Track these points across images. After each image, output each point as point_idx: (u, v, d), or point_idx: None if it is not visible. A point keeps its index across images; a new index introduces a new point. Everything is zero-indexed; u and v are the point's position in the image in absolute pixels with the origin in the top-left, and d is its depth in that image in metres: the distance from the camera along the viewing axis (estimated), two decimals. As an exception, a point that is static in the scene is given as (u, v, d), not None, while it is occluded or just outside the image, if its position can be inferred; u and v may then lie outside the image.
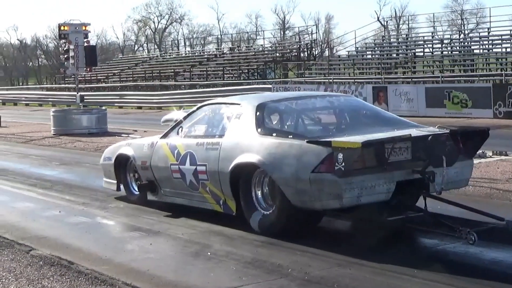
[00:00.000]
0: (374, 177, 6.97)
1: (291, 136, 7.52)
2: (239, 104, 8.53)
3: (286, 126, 8.32)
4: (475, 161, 12.31)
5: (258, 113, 8.07)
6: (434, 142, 7.22)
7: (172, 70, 50.02)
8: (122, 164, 10.10)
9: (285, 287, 5.85)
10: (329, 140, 6.99)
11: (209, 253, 7.00)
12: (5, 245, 7.61)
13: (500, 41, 32.84)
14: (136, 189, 9.91)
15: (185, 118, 9.26)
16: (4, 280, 6.27)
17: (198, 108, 9.26)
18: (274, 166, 7.40)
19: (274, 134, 7.70)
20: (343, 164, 6.80)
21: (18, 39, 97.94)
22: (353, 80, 33.35)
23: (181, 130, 9.07)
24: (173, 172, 8.91)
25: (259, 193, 7.84)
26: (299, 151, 7.19)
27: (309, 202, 7.14)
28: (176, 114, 11.66)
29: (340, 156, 6.80)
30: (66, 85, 55.51)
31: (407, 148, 7.22)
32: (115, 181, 10.25)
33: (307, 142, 7.14)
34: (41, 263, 6.79)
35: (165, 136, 9.32)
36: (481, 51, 34.26)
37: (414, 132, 7.46)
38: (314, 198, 7.05)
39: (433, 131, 7.58)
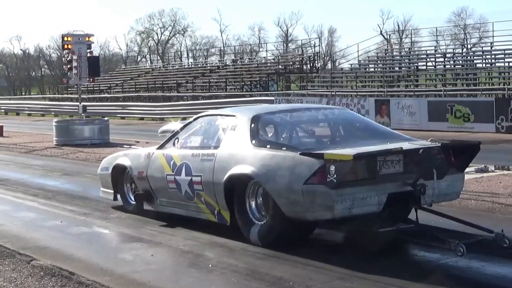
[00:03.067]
0: (365, 189, 7.06)
1: (285, 148, 7.60)
2: (234, 116, 8.63)
3: (280, 138, 8.39)
4: (477, 175, 12.36)
5: (252, 125, 8.17)
6: (425, 155, 7.31)
7: (175, 82, 50.09)
8: (119, 174, 10.19)
9: (287, 300, 5.84)
10: (321, 152, 7.08)
11: (210, 265, 6.99)
12: (6, 255, 7.61)
13: (503, 56, 32.85)
14: (133, 199, 9.99)
15: (181, 129, 9.35)
16: (4, 290, 6.27)
17: (194, 120, 9.36)
18: (268, 177, 7.48)
19: (268, 146, 7.79)
20: (335, 176, 6.87)
21: (21, 49, 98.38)
22: (355, 93, 33.37)
23: (177, 141, 9.16)
24: (169, 182, 8.98)
25: (253, 203, 7.92)
26: (292, 162, 7.27)
27: (301, 213, 7.22)
28: (173, 125, 11.72)
29: (332, 168, 6.87)
30: (69, 95, 55.63)
31: (399, 160, 7.30)
32: (112, 191, 10.35)
33: (300, 154, 7.22)
34: (42, 273, 6.78)
35: (161, 147, 9.39)
36: (484, 65, 34.28)
37: (406, 145, 7.55)
38: (307, 209, 7.13)
39: (424, 144, 7.66)
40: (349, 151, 7.06)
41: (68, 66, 24.64)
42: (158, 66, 63.34)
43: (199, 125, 9.21)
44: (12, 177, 14.92)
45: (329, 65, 74.35)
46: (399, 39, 68.49)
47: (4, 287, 6.36)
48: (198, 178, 8.44)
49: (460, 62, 35.92)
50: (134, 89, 52.56)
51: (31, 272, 6.84)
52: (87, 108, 28.75)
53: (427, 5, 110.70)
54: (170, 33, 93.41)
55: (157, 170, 9.22)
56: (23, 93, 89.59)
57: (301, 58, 47.91)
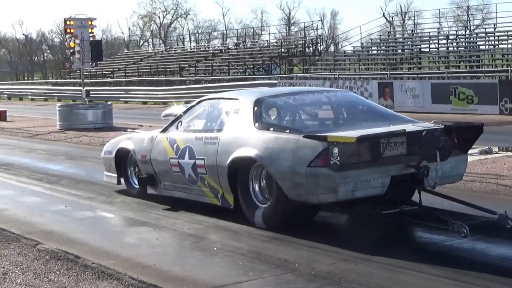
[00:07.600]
0: (369, 171, 7.06)
1: (288, 131, 7.60)
2: (237, 99, 8.63)
3: (283, 121, 8.40)
4: (481, 157, 12.36)
5: (255, 108, 8.16)
6: (429, 137, 7.30)
7: (177, 65, 50.02)
8: (123, 158, 10.20)
9: (292, 282, 5.85)
10: (325, 135, 7.07)
11: (215, 248, 7.00)
12: (12, 239, 7.63)
13: (506, 37, 32.73)
14: (136, 182, 10.01)
15: (184, 112, 9.35)
16: (11, 274, 6.29)
17: (197, 103, 9.36)
18: (271, 160, 7.48)
19: (271, 129, 7.78)
20: (339, 158, 6.87)
21: (23, 34, 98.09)
22: (358, 76, 33.31)
23: (181, 125, 9.16)
24: (172, 166, 8.99)
25: (256, 186, 7.93)
26: (295, 145, 7.27)
27: (305, 195, 7.22)
28: (176, 109, 11.73)
29: (336, 150, 6.87)
30: (72, 80, 55.57)
31: (402, 143, 7.32)
32: (116, 175, 10.36)
33: (304, 136, 7.22)
34: (47, 257, 6.80)
35: (164, 130, 9.40)
36: (487, 47, 34.18)
37: (409, 127, 7.55)
38: (310, 192, 7.13)
39: (427, 126, 7.65)
40: (353, 133, 7.06)
41: (71, 50, 24.63)
42: (161, 50, 63.21)
43: (202, 109, 9.20)
44: (16, 161, 14.95)
45: (331, 48, 74.19)
46: (401, 21, 68.31)
47: (10, 270, 6.38)
48: (201, 161, 8.45)
49: (463, 44, 35.82)
50: (136, 73, 52.52)
51: (37, 256, 6.86)
52: (90, 92, 28.76)
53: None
54: (172, 16, 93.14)
55: (161, 154, 9.23)
56: (26, 78, 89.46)
57: (303, 41, 47.78)
